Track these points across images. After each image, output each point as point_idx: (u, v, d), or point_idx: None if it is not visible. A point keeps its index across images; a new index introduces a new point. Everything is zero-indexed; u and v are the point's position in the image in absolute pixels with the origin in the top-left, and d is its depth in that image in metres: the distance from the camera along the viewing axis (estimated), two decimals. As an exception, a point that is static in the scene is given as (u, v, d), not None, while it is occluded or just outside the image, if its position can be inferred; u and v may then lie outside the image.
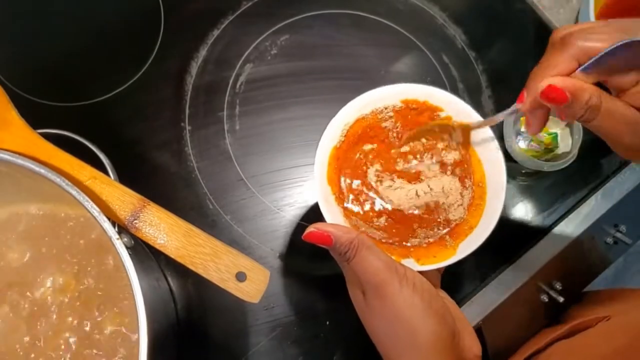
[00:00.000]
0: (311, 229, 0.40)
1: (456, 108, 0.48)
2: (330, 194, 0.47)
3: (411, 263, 0.43)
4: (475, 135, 0.48)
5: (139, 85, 0.63)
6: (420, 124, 0.49)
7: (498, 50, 0.68)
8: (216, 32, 0.66)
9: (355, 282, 0.42)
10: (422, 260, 0.44)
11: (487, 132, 0.47)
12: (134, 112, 0.62)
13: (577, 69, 0.37)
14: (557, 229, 0.62)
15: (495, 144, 0.47)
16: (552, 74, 0.37)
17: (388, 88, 0.48)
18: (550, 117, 0.61)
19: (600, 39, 0.36)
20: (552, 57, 0.38)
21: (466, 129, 0.48)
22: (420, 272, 0.42)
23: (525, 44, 0.69)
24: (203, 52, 0.65)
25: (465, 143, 0.49)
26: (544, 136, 0.61)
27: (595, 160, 0.65)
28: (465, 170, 0.49)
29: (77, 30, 0.65)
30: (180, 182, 0.60)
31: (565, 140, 0.61)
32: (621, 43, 0.34)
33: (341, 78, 0.65)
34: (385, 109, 0.49)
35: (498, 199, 0.45)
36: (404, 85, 0.49)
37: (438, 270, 0.46)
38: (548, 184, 0.63)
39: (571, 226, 0.63)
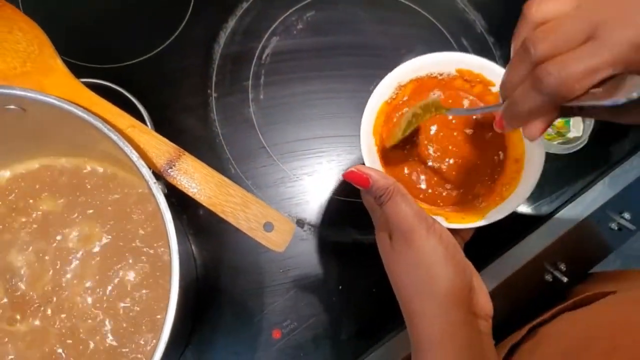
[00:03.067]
0: (352, 169, 0.42)
1: None
2: (373, 145, 0.48)
3: (440, 220, 0.44)
4: None
5: (168, 52, 0.65)
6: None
7: (516, 37, 0.70)
8: (245, 5, 0.68)
9: (384, 227, 0.43)
10: (450, 219, 0.45)
11: None
12: (163, 76, 0.64)
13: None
14: (564, 212, 0.64)
15: None
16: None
17: (445, 54, 0.50)
18: (564, 102, 0.63)
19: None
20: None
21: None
22: None
23: (542, 32, 0.71)
24: (232, 23, 0.67)
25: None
26: (557, 120, 0.63)
27: (604, 146, 0.67)
28: (505, 145, 0.51)
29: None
30: (205, 146, 0.62)
31: (577, 125, 0.63)
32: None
33: (363, 55, 0.67)
34: (440, 75, 0.51)
35: (533, 177, 0.47)
36: (462, 54, 0.50)
37: (462, 237, 0.48)
38: (557, 168, 0.65)
39: (577, 210, 0.64)
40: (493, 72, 0.50)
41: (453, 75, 0.51)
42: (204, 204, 0.44)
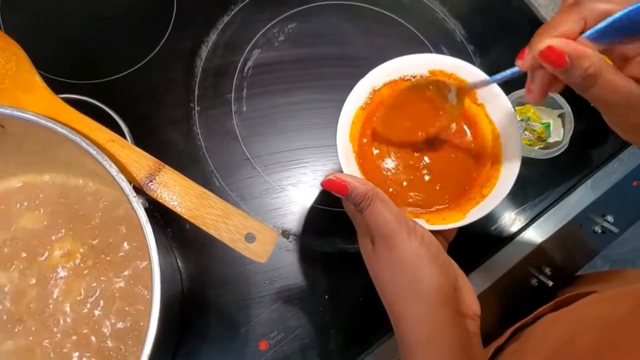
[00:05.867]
0: (330, 177, 0.42)
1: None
2: (350, 152, 0.48)
3: (421, 222, 0.45)
4: (496, 110, 0.50)
5: (151, 66, 0.66)
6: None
7: (495, 45, 0.71)
8: (226, 18, 0.69)
9: (366, 232, 0.44)
10: (432, 221, 0.46)
11: (508, 107, 0.49)
12: (145, 91, 0.65)
13: (583, 30, 0.36)
14: (547, 216, 0.65)
15: (514, 119, 0.49)
16: (556, 34, 0.36)
17: (417, 56, 0.50)
18: (543, 107, 0.64)
19: (613, 1, 0.35)
20: (559, 16, 0.37)
21: (461, 90, 0.49)
22: None
23: (521, 39, 0.71)
24: (213, 37, 0.68)
25: (460, 105, 0.49)
26: (537, 125, 0.64)
27: (585, 150, 0.67)
28: (481, 142, 0.51)
29: (91, 11, 0.68)
30: (188, 160, 0.62)
31: (557, 130, 0.64)
32: (636, 6, 0.33)
33: (345, 65, 0.68)
34: (413, 77, 0.51)
35: (511, 172, 0.47)
36: (433, 55, 0.51)
37: (445, 238, 0.49)
38: (539, 173, 0.66)
39: (560, 214, 0.65)
40: (466, 71, 0.50)
41: (426, 76, 0.51)
42: (185, 216, 0.44)
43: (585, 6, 0.36)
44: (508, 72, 0.43)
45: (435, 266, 0.40)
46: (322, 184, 0.42)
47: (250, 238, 0.44)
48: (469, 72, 0.50)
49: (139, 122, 0.62)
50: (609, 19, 0.34)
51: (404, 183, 0.50)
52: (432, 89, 0.49)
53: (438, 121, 0.50)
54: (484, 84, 0.47)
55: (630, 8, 0.33)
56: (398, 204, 0.42)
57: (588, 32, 0.35)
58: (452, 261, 0.44)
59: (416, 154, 0.51)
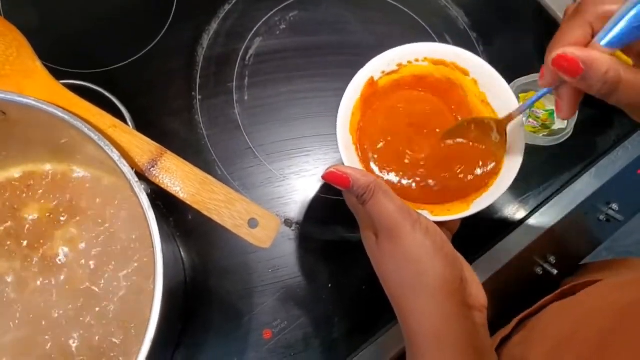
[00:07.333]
0: (331, 169, 0.41)
1: (482, 72, 0.49)
2: (351, 143, 0.48)
3: (425, 214, 0.44)
4: (498, 99, 0.49)
5: (152, 56, 0.66)
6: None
7: (498, 32, 0.70)
8: (227, 6, 0.68)
9: (369, 225, 0.43)
10: (436, 212, 0.45)
11: (510, 96, 0.48)
12: (146, 80, 0.64)
13: (592, 36, 0.35)
14: (551, 204, 0.64)
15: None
16: (566, 43, 0.36)
17: (417, 46, 0.50)
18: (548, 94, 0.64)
19: (615, 1, 0.35)
20: (565, 25, 0.37)
21: (501, 124, 0.48)
22: None
23: (524, 25, 0.71)
24: (214, 25, 0.67)
25: (502, 140, 0.48)
26: (541, 112, 0.63)
27: (589, 138, 0.67)
28: (486, 133, 0.50)
29: (92, 1, 0.68)
30: (190, 149, 0.62)
31: (562, 117, 0.64)
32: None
33: (347, 54, 0.67)
34: (410, 63, 0.51)
35: (515, 162, 0.46)
36: (434, 44, 0.50)
37: (449, 229, 0.48)
38: (543, 160, 0.65)
39: (564, 202, 0.64)
40: (465, 60, 0.50)
41: (465, 118, 0.50)
42: (188, 202, 0.44)
43: (588, 10, 0.36)
44: (537, 96, 0.43)
45: (440, 258, 0.39)
46: (323, 177, 0.41)
47: (253, 224, 0.44)
48: (470, 61, 0.50)
49: (140, 111, 0.62)
50: (625, 20, 0.33)
51: (405, 173, 0.50)
52: (474, 129, 0.49)
53: (482, 159, 0.49)
54: (518, 112, 0.46)
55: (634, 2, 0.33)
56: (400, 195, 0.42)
57: (608, 39, 0.34)
58: (458, 253, 0.44)
59: (417, 144, 0.51)
